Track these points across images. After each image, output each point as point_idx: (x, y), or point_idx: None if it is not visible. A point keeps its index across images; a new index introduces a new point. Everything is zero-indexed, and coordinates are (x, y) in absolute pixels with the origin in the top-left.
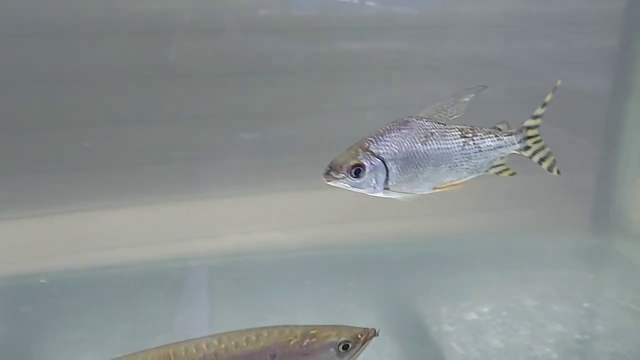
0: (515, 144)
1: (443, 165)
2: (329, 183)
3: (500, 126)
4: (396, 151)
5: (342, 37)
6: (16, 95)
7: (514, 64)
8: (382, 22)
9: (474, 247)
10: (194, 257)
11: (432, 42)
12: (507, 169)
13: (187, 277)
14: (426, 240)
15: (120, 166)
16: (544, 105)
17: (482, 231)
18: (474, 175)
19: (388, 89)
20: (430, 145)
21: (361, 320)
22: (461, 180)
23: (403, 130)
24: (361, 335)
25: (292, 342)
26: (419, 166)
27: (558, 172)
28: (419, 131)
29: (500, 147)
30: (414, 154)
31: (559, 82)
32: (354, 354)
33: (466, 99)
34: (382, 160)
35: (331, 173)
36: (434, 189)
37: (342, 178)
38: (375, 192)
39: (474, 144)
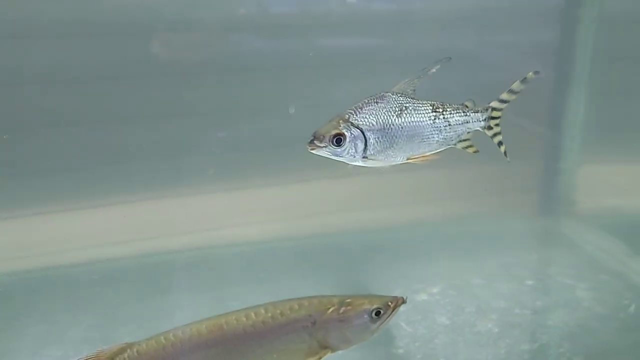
0: (480, 121)
1: (416, 137)
2: (312, 151)
3: (467, 103)
4: (374, 122)
5: (320, 34)
6: None
7: (486, 56)
8: (360, 18)
9: (428, 234)
10: (160, 252)
11: (409, 37)
12: (471, 146)
13: (154, 272)
14: (383, 228)
15: (88, 166)
16: (510, 91)
17: (436, 219)
18: (444, 148)
19: (365, 83)
20: (404, 118)
21: None
22: (432, 152)
23: (380, 104)
24: (391, 303)
25: (330, 310)
26: (394, 137)
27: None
28: (394, 105)
29: (467, 122)
30: (389, 126)
31: (530, 73)
32: (384, 320)
33: (433, 70)
34: (361, 131)
35: (315, 142)
36: (408, 159)
37: (324, 147)
38: (355, 161)
39: (444, 118)
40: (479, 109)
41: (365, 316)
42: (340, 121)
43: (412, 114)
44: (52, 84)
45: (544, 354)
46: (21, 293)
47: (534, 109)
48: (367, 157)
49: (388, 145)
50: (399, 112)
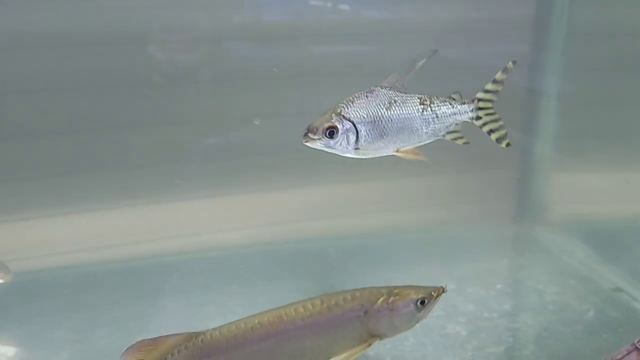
0: (468, 112)
1: (405, 129)
2: (306, 144)
3: (454, 96)
4: (364, 115)
5: (313, 42)
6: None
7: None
8: (352, 27)
9: (404, 241)
10: (141, 257)
11: (401, 46)
12: (461, 137)
13: (134, 276)
14: (360, 235)
15: (72, 172)
16: (494, 81)
17: (412, 226)
18: (433, 139)
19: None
20: (393, 110)
21: None
22: (422, 143)
23: (370, 98)
24: (434, 292)
25: (380, 300)
26: (384, 129)
27: (508, 144)
28: (383, 98)
29: (455, 114)
30: (379, 118)
31: (510, 63)
32: (428, 309)
33: (420, 64)
34: (352, 123)
35: (309, 135)
36: (398, 151)
37: (318, 139)
38: (347, 152)
39: (432, 110)
40: (466, 100)
41: (412, 305)
42: (333, 114)
43: (401, 107)
44: (47, 93)
45: (509, 356)
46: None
47: (508, 119)
48: (358, 149)
49: (378, 137)
50: (388, 105)
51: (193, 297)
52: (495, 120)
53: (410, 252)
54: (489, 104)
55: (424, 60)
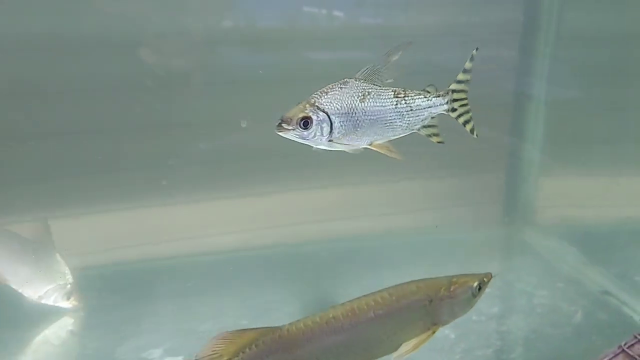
0: (443, 104)
1: (379, 122)
2: (280, 134)
3: (428, 88)
4: (338, 107)
5: (306, 48)
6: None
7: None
8: (346, 32)
9: (395, 244)
10: (135, 261)
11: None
12: (436, 134)
13: (128, 280)
14: (353, 237)
15: (65, 176)
16: (465, 70)
17: (403, 229)
18: (407, 133)
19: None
20: (367, 102)
21: (284, 310)
22: (397, 137)
23: (344, 89)
24: (485, 279)
25: (442, 289)
26: (358, 121)
27: (477, 135)
28: (357, 90)
29: (430, 107)
30: (353, 110)
31: (474, 50)
32: (482, 293)
33: (395, 57)
34: (326, 114)
35: (282, 125)
36: (371, 144)
37: (292, 129)
38: (320, 144)
39: (406, 103)
40: (441, 93)
41: (470, 292)
42: (307, 105)
43: (375, 99)
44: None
45: (498, 359)
46: None
47: (498, 122)
48: (332, 140)
49: (352, 129)
50: (362, 97)
51: (185, 300)
52: (468, 112)
53: (401, 255)
54: (462, 95)
55: (400, 53)
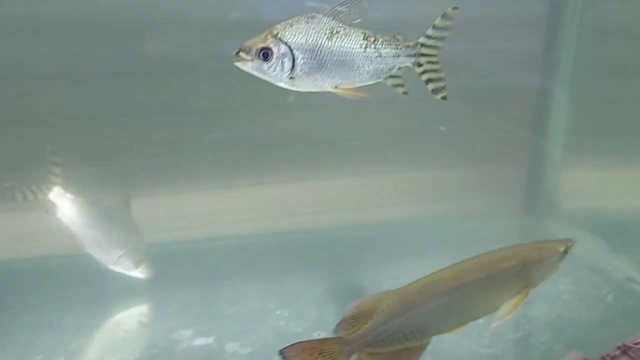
0: (411, 56)
1: (346, 64)
2: (237, 64)
3: (398, 36)
4: (303, 42)
5: None
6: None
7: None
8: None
9: (417, 232)
10: (159, 244)
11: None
12: (402, 85)
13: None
14: (373, 225)
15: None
16: (435, 27)
17: (425, 218)
18: (374, 81)
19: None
20: (334, 41)
21: (310, 295)
22: (362, 83)
23: (310, 24)
24: (570, 244)
25: (534, 254)
26: (323, 60)
27: (444, 97)
28: (325, 27)
29: (399, 56)
30: (319, 48)
31: (449, 9)
32: (566, 257)
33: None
34: (289, 48)
35: (241, 54)
36: (337, 87)
37: (250, 60)
38: (280, 81)
39: (375, 48)
40: (410, 43)
41: (557, 256)
42: (269, 36)
43: (343, 39)
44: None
45: (526, 342)
46: None
47: (521, 115)
48: (293, 79)
49: (316, 68)
50: (330, 35)
51: (210, 284)
52: (436, 71)
53: (423, 243)
54: (432, 51)
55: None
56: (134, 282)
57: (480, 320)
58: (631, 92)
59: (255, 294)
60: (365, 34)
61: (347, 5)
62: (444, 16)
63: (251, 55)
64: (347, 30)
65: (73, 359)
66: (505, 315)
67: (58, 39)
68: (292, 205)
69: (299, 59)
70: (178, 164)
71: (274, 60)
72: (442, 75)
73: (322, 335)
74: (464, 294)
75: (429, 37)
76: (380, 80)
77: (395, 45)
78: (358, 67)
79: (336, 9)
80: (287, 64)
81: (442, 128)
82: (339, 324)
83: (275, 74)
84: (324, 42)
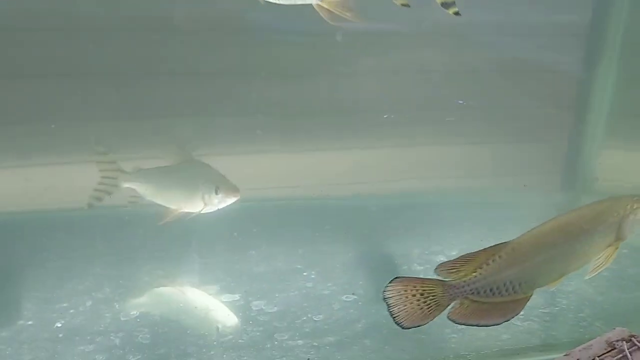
0: None
1: None
2: None
3: None
4: None
5: None
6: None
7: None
8: None
9: (451, 203)
10: None
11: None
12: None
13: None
14: (406, 194)
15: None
16: None
17: (459, 190)
18: None
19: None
20: None
21: (338, 259)
22: None
23: None
24: None
25: (628, 207)
26: None
27: (457, 13)
28: None
29: None
30: None
31: None
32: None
33: None
34: None
35: None
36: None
37: None
38: None
39: None
40: None
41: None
42: None
43: None
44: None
45: (564, 317)
46: None
47: (562, 93)
48: None
49: None
50: None
51: (237, 244)
52: None
53: (458, 213)
54: None
55: None
56: (159, 239)
57: None
58: None
59: (281, 255)
60: None
61: None
62: None
63: None
64: None
65: (98, 306)
66: (600, 268)
67: None
68: (324, 173)
69: None
70: (209, 126)
71: None
72: None
73: (352, 298)
74: (569, 246)
75: None
76: None
77: None
78: None
79: None
80: None
81: (460, 102)
82: (442, 264)
83: None
84: None
